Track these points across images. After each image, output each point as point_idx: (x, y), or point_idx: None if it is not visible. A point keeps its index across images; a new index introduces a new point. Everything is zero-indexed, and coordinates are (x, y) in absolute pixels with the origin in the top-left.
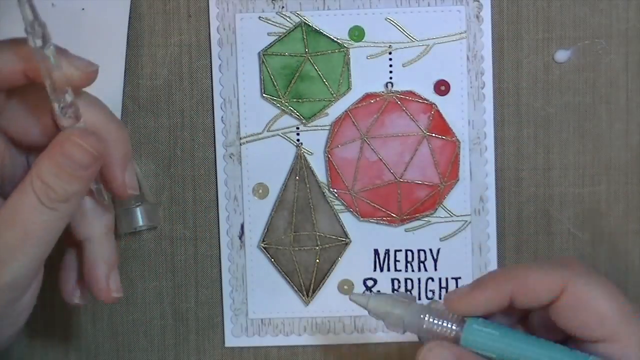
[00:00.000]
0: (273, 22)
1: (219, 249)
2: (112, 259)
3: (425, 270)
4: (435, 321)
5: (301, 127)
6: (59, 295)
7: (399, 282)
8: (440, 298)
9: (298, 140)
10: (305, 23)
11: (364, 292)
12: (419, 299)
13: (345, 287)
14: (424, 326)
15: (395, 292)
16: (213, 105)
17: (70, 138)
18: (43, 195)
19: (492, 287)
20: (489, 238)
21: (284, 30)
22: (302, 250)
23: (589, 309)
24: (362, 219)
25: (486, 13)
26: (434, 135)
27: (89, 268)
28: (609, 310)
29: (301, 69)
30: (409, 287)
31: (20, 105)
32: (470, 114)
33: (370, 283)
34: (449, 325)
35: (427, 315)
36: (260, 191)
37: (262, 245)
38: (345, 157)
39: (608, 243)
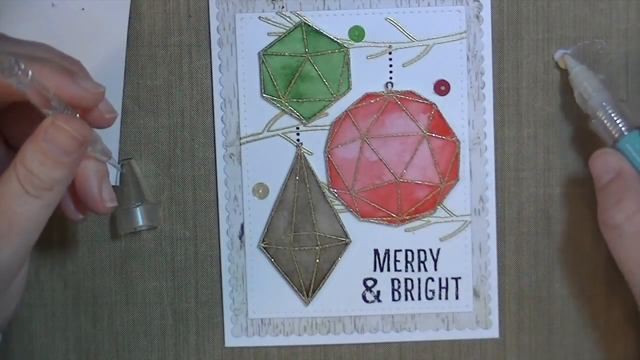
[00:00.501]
0: (273, 22)
1: (219, 249)
2: (100, 170)
3: (425, 270)
4: (609, 114)
5: (301, 127)
6: (59, 294)
7: (399, 282)
8: (440, 298)
9: (298, 140)
10: (305, 23)
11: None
12: (419, 299)
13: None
14: (599, 115)
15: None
16: (213, 105)
17: (54, 123)
18: (27, 183)
19: None
20: (488, 238)
21: (284, 30)
22: (302, 250)
23: None
24: (362, 219)
25: (486, 13)
26: (434, 135)
27: (80, 182)
28: None
29: (301, 69)
30: (409, 287)
31: (17, 110)
32: (470, 114)
33: (370, 283)
34: (619, 125)
35: (608, 107)
36: (260, 191)
37: (262, 245)
38: (345, 157)
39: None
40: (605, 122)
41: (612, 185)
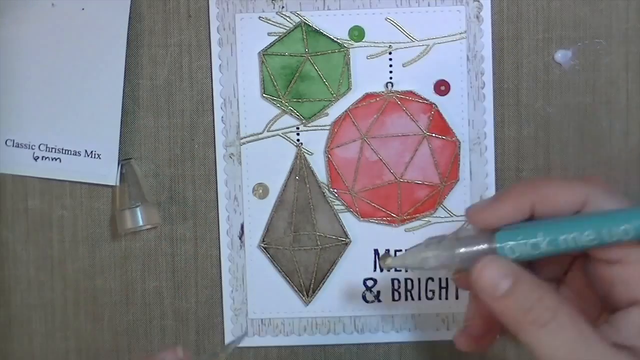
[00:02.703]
0: (273, 22)
1: (219, 249)
2: None
3: None
4: (468, 247)
5: (301, 127)
6: (59, 294)
7: (399, 282)
8: (440, 298)
9: (298, 140)
10: (305, 23)
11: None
12: (419, 299)
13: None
14: (459, 253)
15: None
16: (213, 105)
17: None
18: None
19: (514, 197)
20: None
21: (284, 30)
22: (302, 250)
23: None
24: (362, 219)
25: (486, 13)
26: (434, 135)
27: None
28: None
29: (301, 69)
30: (409, 287)
31: None
32: (470, 114)
33: (370, 283)
34: (482, 246)
35: (458, 244)
36: (261, 191)
37: (262, 245)
38: (345, 157)
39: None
40: (467, 254)
41: (514, 298)
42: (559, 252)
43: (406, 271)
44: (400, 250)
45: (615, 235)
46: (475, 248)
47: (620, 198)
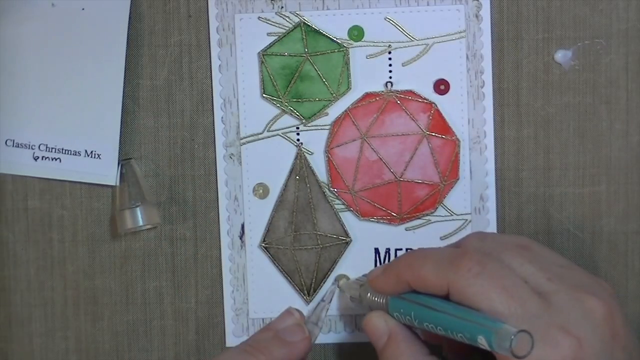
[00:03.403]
0: (272, 22)
1: (220, 249)
2: None
3: None
4: (373, 296)
5: (301, 127)
6: (59, 294)
7: None
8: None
9: (298, 140)
10: (304, 23)
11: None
12: None
13: (342, 281)
14: (367, 298)
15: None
16: (213, 105)
17: None
18: None
19: (395, 274)
20: None
21: (284, 31)
22: (302, 249)
23: (476, 305)
24: (362, 218)
25: (485, 12)
26: (433, 134)
27: None
28: (493, 309)
29: (301, 69)
30: None
31: None
32: (470, 113)
33: None
34: (381, 300)
35: (367, 291)
36: (261, 191)
37: (263, 245)
38: (346, 156)
39: (608, 243)
40: (373, 298)
41: (387, 351)
42: (431, 332)
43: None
44: (401, 250)
45: (465, 338)
46: (377, 300)
47: (483, 275)
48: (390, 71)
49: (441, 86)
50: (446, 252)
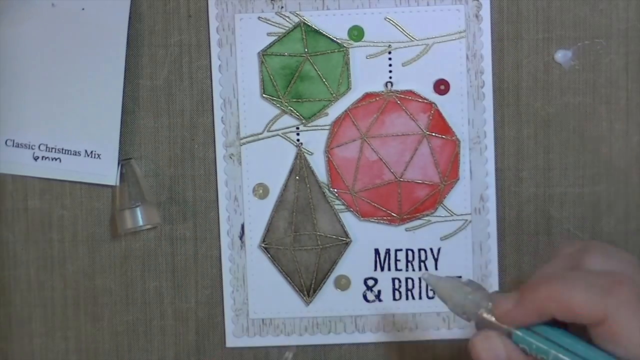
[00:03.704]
0: (272, 22)
1: (219, 250)
2: None
3: (426, 269)
4: (490, 317)
5: (301, 127)
6: (59, 294)
7: (399, 281)
8: None
9: (298, 140)
10: (304, 23)
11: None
12: (420, 298)
13: (343, 281)
14: (481, 317)
15: (467, 279)
16: (213, 105)
17: None
18: None
19: (535, 307)
20: (489, 237)
21: (284, 31)
22: (302, 250)
23: (630, 339)
24: (362, 218)
25: (485, 12)
26: (433, 134)
27: None
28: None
29: (301, 69)
30: (410, 286)
31: None
32: (470, 113)
33: (371, 282)
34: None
35: (484, 310)
36: (261, 191)
37: (263, 245)
38: (346, 156)
39: (608, 243)
40: (491, 320)
41: None
42: None
43: (407, 270)
44: (401, 250)
45: None
46: (493, 320)
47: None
48: (390, 71)
49: (441, 86)
50: (593, 278)
